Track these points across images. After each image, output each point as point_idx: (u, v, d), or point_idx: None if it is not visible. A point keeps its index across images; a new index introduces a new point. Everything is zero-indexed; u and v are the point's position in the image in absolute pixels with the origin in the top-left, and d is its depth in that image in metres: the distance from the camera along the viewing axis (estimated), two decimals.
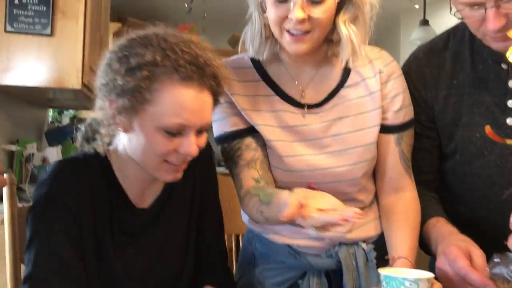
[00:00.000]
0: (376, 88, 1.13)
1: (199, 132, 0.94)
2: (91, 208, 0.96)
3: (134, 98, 0.89)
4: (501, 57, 1.09)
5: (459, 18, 1.09)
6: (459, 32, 1.23)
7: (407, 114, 1.16)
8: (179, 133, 0.92)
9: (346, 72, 1.15)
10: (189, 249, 1.09)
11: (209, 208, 1.14)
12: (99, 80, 0.96)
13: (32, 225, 0.95)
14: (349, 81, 1.14)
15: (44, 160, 2.76)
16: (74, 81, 2.16)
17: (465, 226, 1.14)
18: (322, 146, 1.13)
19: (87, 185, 0.97)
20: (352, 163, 1.12)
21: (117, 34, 4.52)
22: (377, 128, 1.13)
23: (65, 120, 3.75)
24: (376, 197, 1.22)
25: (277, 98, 1.15)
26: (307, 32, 1.03)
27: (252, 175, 1.11)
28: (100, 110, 0.97)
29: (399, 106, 1.14)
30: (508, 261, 0.95)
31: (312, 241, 1.14)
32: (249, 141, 1.15)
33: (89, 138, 1.04)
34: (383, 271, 0.93)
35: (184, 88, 0.90)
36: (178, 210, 1.08)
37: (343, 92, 1.14)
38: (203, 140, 0.97)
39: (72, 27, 2.15)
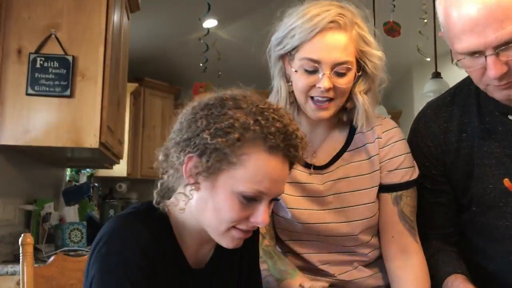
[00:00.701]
0: (374, 153, 1.22)
1: (271, 200, 0.92)
2: (157, 267, 0.91)
3: (219, 159, 0.87)
4: (508, 108, 1.12)
5: (461, 68, 1.10)
6: (466, 86, 1.24)
7: (406, 175, 1.21)
8: (254, 200, 0.89)
9: (350, 136, 1.24)
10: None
11: (255, 268, 1.11)
12: (177, 134, 0.93)
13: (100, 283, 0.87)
14: (352, 146, 1.23)
15: (61, 219, 2.77)
16: (92, 140, 2.20)
17: (487, 279, 1.13)
18: (325, 203, 1.22)
19: (152, 242, 0.91)
20: (351, 220, 1.21)
21: (134, 94, 4.66)
22: (375, 189, 1.22)
23: (82, 179, 3.80)
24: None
25: None
26: (330, 100, 1.14)
27: (259, 230, 1.14)
28: (170, 166, 0.94)
29: (396, 167, 1.21)
30: None
31: (323, 276, 1.23)
32: None
33: (165, 196, 0.99)
34: None
35: (270, 157, 0.88)
36: (229, 270, 1.05)
37: (346, 155, 1.23)
38: (271, 209, 0.94)
39: (91, 88, 2.22)
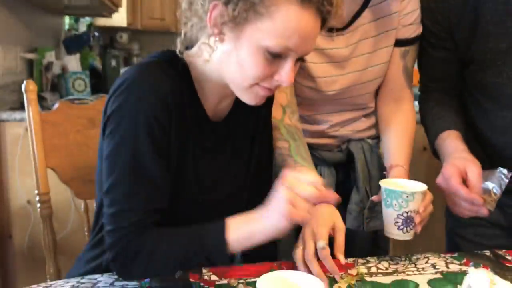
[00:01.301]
0: (396, 9, 1.20)
1: (297, 60, 0.88)
2: (175, 118, 0.90)
3: (246, 8, 0.81)
4: None
5: None
6: None
7: (417, 29, 1.23)
8: (280, 57, 0.85)
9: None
10: (251, 165, 1.08)
11: (266, 130, 1.12)
12: None
13: (119, 132, 0.87)
14: (372, 2, 1.19)
15: (64, 68, 2.76)
16: None
17: (482, 136, 1.19)
18: (347, 67, 1.21)
19: (172, 93, 0.89)
20: (371, 79, 1.24)
21: None
22: (392, 47, 1.23)
23: (82, 28, 3.71)
24: None
25: None
26: None
27: (281, 100, 1.13)
28: (194, 14, 0.89)
29: (410, 22, 1.21)
30: (495, 176, 1.05)
31: (327, 139, 1.30)
32: None
33: (188, 46, 0.96)
34: (384, 184, 1.04)
35: (302, 10, 0.82)
36: (245, 125, 1.06)
37: (366, 13, 1.19)
38: (297, 69, 0.90)
39: None
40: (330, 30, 1.17)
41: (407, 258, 1.07)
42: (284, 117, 1.15)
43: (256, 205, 0.87)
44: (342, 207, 1.29)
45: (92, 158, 1.30)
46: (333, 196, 0.84)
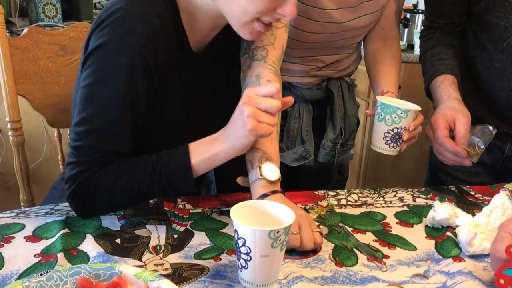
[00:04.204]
0: None
1: None
2: (161, 53, 0.88)
3: None
4: None
5: None
6: None
7: None
8: None
9: None
10: (230, 82, 1.06)
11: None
12: None
13: (100, 67, 0.84)
14: None
15: None
16: None
17: (479, 78, 1.20)
18: (353, 12, 1.21)
19: (161, 27, 0.87)
20: (369, 23, 1.26)
21: None
22: None
23: None
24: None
25: None
26: None
27: (283, 40, 1.07)
28: None
29: None
30: (481, 131, 1.08)
31: (308, 78, 1.30)
32: None
33: None
34: (380, 99, 1.08)
35: None
36: (224, 56, 1.04)
37: None
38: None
39: None
40: None
41: (376, 192, 1.11)
42: (280, 61, 1.12)
43: None
44: (316, 141, 1.32)
45: (65, 86, 1.28)
46: (290, 99, 0.86)
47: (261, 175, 0.89)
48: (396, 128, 1.05)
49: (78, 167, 0.85)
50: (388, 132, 1.06)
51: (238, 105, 0.83)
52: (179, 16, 0.92)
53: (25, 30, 1.23)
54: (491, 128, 1.08)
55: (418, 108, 1.07)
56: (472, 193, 1.14)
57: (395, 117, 1.04)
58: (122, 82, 0.84)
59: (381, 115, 1.06)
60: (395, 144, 1.07)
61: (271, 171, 0.90)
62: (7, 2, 2.50)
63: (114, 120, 0.85)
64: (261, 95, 0.81)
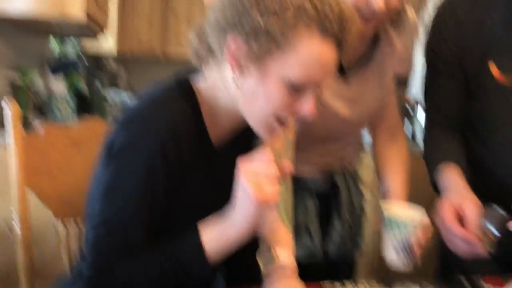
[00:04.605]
0: (398, 48, 1.23)
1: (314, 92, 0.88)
2: (184, 153, 0.89)
3: (268, 41, 0.80)
4: None
5: None
6: None
7: (408, 66, 1.29)
8: (301, 88, 0.84)
9: (376, 37, 1.22)
10: None
11: None
12: (219, 14, 0.85)
13: (121, 164, 0.85)
14: (379, 44, 1.22)
15: (49, 90, 2.76)
16: (77, 10, 2.11)
17: (489, 171, 1.19)
18: (354, 105, 1.24)
19: (184, 127, 0.88)
20: (370, 117, 1.30)
21: None
22: (391, 83, 1.27)
23: (69, 51, 3.72)
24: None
25: None
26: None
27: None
28: (207, 49, 0.89)
29: (405, 57, 1.26)
30: (491, 215, 1.01)
31: (308, 165, 1.31)
32: None
33: (201, 57, 0.93)
34: (386, 211, 1.05)
35: (323, 42, 0.82)
36: (248, 143, 1.04)
37: (373, 56, 1.22)
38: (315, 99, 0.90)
39: None
40: (341, 70, 1.20)
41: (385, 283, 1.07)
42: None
43: None
44: (322, 234, 1.30)
45: (73, 179, 1.29)
46: (289, 165, 0.84)
47: (276, 260, 0.87)
48: (406, 241, 1.01)
49: (94, 265, 0.85)
50: (398, 246, 1.02)
51: (237, 179, 0.82)
52: (201, 115, 0.93)
53: (40, 127, 1.28)
54: (504, 214, 1.02)
55: (427, 220, 1.03)
56: (483, 283, 1.10)
57: (404, 231, 1.00)
58: (141, 183, 0.85)
59: (389, 228, 1.03)
60: (407, 259, 1.02)
61: (287, 256, 0.88)
62: (24, 100, 2.60)
63: (132, 220, 0.86)
64: (256, 163, 0.81)
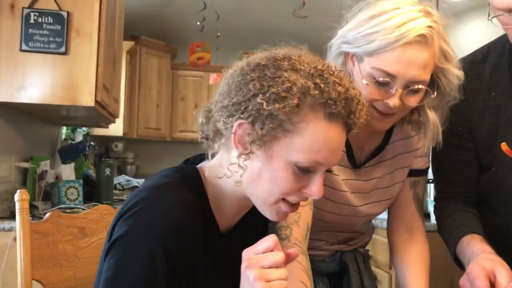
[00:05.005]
0: (414, 148, 1.23)
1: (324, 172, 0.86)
2: (186, 243, 0.86)
3: (274, 126, 0.80)
4: None
5: (496, 24, 1.07)
6: (499, 44, 1.22)
7: (427, 163, 1.26)
8: (308, 171, 0.83)
9: (390, 131, 1.21)
10: None
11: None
12: (225, 97, 0.85)
13: (123, 259, 0.83)
14: (392, 139, 1.22)
15: (57, 177, 2.77)
16: (87, 99, 2.18)
17: (504, 241, 1.15)
18: (367, 198, 1.23)
19: (187, 217, 0.86)
20: (382, 210, 1.28)
21: (130, 52, 4.60)
22: (403, 183, 1.25)
23: (78, 138, 3.79)
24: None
25: (344, 154, 1.20)
26: (393, 113, 1.07)
27: (308, 218, 1.07)
28: (212, 131, 0.89)
29: (421, 154, 1.24)
30: None
31: (319, 251, 1.28)
32: None
33: (208, 137, 0.92)
34: None
35: (330, 125, 0.81)
36: (255, 227, 1.03)
37: (387, 149, 1.22)
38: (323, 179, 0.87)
39: (86, 45, 2.18)
40: (354, 164, 1.20)
41: None
42: (305, 240, 1.08)
43: None
44: None
45: (81, 269, 1.26)
46: (294, 252, 0.80)
47: None
48: None
49: None
50: None
51: (242, 272, 0.78)
52: (208, 202, 0.92)
53: (47, 214, 1.27)
54: None
55: None
56: None
57: None
58: (142, 275, 0.82)
59: None
60: None
61: None
62: (33, 186, 2.62)
63: None
64: (261, 253, 0.78)
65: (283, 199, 0.85)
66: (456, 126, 1.21)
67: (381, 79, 1.01)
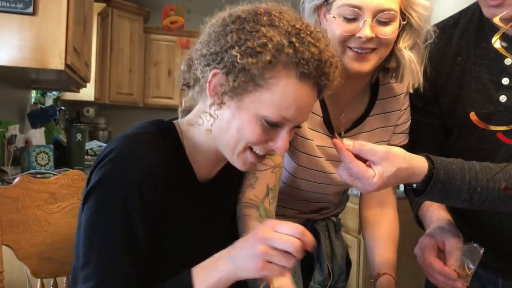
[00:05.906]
0: (394, 123, 1.23)
1: (292, 128, 0.89)
2: (161, 189, 0.89)
3: (246, 80, 0.82)
4: (502, 35, 1.11)
5: None
6: (470, 11, 1.24)
7: (405, 139, 1.27)
8: (276, 126, 0.86)
9: (371, 103, 1.22)
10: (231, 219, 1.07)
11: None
12: (204, 46, 0.88)
13: (100, 207, 0.86)
14: (373, 112, 1.22)
15: (27, 142, 2.72)
16: (57, 62, 2.12)
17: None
18: None
19: (160, 164, 0.89)
20: None
21: (101, 14, 4.47)
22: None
23: (48, 102, 3.71)
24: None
25: (321, 120, 1.19)
26: (372, 51, 1.06)
27: (268, 180, 1.10)
28: (192, 79, 0.91)
29: (401, 131, 1.25)
30: (470, 251, 1.05)
31: (291, 218, 1.25)
32: None
33: (189, 85, 0.94)
34: None
35: (300, 84, 0.84)
36: (232, 181, 1.06)
37: (367, 121, 1.22)
38: (291, 136, 0.91)
39: (55, 6, 2.11)
40: (332, 132, 1.20)
41: None
42: (265, 199, 1.11)
43: None
44: (304, 284, 1.27)
45: (52, 234, 1.25)
46: (311, 241, 0.80)
47: None
48: None
49: None
50: None
51: (253, 234, 0.80)
52: (184, 153, 0.95)
53: (17, 179, 1.24)
54: (478, 246, 1.05)
55: None
56: None
57: None
58: (119, 221, 0.85)
59: None
60: None
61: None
62: (2, 151, 2.56)
63: (116, 258, 0.85)
64: (281, 232, 0.78)
65: (250, 149, 0.89)
66: (424, 91, 1.22)
67: (349, 14, 1.03)
